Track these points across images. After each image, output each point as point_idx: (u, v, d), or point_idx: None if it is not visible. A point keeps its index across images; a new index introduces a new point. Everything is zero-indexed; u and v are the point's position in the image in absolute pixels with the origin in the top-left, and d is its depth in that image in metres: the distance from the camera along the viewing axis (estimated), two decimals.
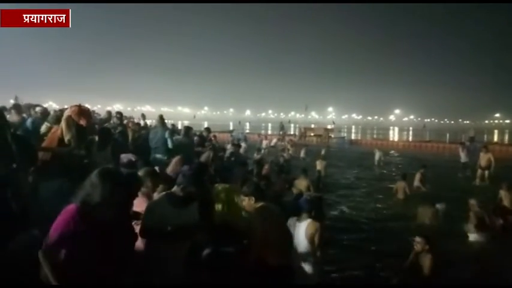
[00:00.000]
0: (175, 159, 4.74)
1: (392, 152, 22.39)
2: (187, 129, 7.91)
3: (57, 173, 3.43)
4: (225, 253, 2.89)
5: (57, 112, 5.78)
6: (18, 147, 2.87)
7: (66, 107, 5.18)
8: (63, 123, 3.77)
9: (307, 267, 3.59)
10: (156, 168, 4.19)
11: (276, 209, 3.28)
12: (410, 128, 78.35)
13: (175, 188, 2.71)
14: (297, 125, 51.92)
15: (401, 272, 4.86)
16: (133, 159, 4.03)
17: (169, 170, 4.51)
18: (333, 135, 31.50)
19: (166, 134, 6.97)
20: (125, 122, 8.83)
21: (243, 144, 14.56)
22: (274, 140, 22.60)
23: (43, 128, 4.99)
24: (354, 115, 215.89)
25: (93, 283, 1.94)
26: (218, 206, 3.28)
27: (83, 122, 3.78)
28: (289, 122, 66.37)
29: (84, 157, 3.77)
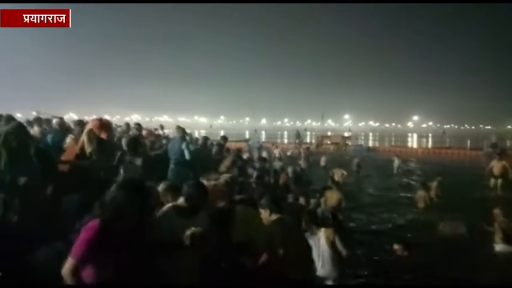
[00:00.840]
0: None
1: (411, 159, 21.90)
2: (205, 139, 8.03)
3: (78, 186, 3.52)
4: (243, 265, 2.88)
5: (80, 124, 5.99)
6: (40, 161, 2.96)
7: (86, 118, 5.33)
8: (84, 137, 3.90)
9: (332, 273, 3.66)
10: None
11: (292, 221, 3.27)
12: (430, 135, 76.58)
13: (180, 200, 2.76)
14: (313, 133, 51.53)
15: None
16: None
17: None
18: (350, 143, 31.16)
19: (184, 145, 7.04)
20: (144, 132, 8.98)
21: (264, 154, 14.54)
22: (291, 150, 22.34)
23: (68, 141, 5.15)
24: (371, 122, 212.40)
25: None
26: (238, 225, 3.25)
27: (104, 136, 3.90)
28: (305, 130, 66.01)
29: (105, 169, 3.87)
